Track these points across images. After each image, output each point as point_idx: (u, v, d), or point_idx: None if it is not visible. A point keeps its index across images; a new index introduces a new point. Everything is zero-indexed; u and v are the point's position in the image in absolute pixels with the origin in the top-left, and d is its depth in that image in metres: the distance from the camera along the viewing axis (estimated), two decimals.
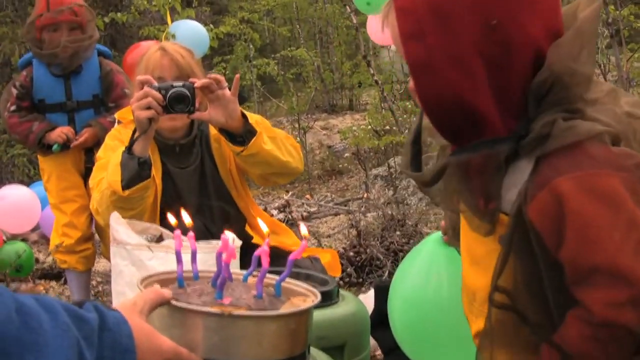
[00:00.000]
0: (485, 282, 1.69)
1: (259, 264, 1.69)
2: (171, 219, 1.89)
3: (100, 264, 5.95)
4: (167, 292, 1.52)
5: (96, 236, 5.06)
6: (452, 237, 2.24)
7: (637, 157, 1.53)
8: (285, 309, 1.63)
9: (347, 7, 10.23)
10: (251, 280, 1.74)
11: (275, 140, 3.07)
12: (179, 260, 1.68)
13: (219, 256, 1.62)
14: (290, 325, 1.58)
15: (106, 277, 5.90)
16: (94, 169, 3.25)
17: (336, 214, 7.40)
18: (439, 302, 2.35)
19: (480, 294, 1.75)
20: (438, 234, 2.44)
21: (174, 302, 1.52)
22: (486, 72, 1.56)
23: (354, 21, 10.12)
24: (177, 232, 1.73)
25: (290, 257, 1.69)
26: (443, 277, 2.36)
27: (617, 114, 1.61)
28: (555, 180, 1.50)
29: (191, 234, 1.74)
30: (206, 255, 2.40)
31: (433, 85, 1.59)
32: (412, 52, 1.60)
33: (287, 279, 1.75)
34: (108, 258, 4.90)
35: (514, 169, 1.60)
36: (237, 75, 3.00)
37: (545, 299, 1.57)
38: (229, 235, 1.66)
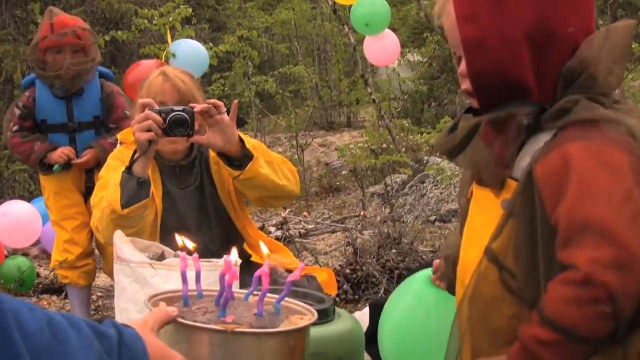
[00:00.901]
0: (477, 253, 1.80)
1: (260, 284, 1.79)
2: (178, 240, 1.97)
3: (100, 279, 6.01)
4: (173, 311, 1.61)
5: (96, 252, 5.14)
6: (444, 272, 2.33)
7: None
8: (284, 326, 1.73)
9: (345, 26, 10.33)
10: (252, 299, 1.83)
11: (271, 165, 3.15)
12: (184, 280, 1.77)
13: (222, 277, 1.72)
14: (289, 341, 1.69)
15: (106, 292, 5.98)
16: (96, 187, 3.33)
17: (333, 232, 7.45)
18: (427, 329, 2.42)
19: (472, 267, 1.83)
20: (427, 271, 2.51)
21: (180, 320, 1.61)
22: (530, 55, 1.73)
23: (352, 40, 10.21)
24: (183, 253, 1.83)
25: (289, 278, 1.80)
26: (431, 311, 2.44)
27: (636, 123, 1.72)
28: (567, 143, 1.64)
29: (196, 255, 1.84)
30: (207, 273, 2.47)
31: (484, 62, 1.76)
32: (467, 32, 1.76)
33: (286, 298, 1.84)
34: (108, 273, 5.00)
35: (533, 140, 1.73)
36: (236, 102, 3.08)
37: (533, 265, 1.67)
38: (232, 256, 1.76)
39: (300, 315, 1.83)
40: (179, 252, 2.85)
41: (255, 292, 1.82)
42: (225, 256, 1.76)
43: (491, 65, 1.75)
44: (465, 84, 1.86)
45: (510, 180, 1.76)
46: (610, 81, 1.72)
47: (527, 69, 1.74)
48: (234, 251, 1.82)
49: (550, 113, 1.71)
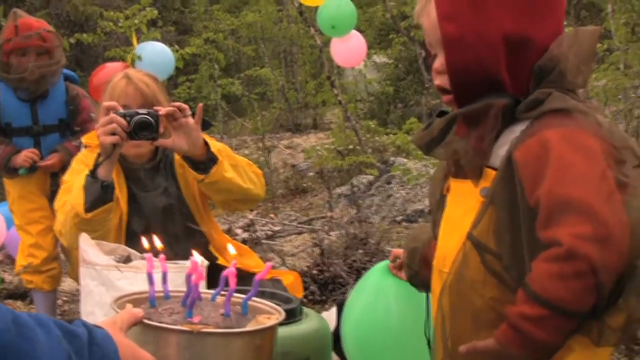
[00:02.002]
0: (457, 241, 1.87)
1: (227, 284, 1.79)
2: (145, 242, 1.97)
3: (65, 284, 5.97)
4: (139, 312, 1.61)
5: (62, 256, 5.11)
6: (406, 263, 2.37)
7: (613, 141, 1.73)
8: (251, 326, 1.73)
9: (312, 28, 10.35)
10: (219, 299, 1.83)
11: (236, 168, 3.14)
12: (151, 281, 1.77)
13: (188, 277, 1.72)
14: (256, 341, 1.69)
15: (72, 297, 5.94)
16: (60, 191, 3.30)
17: (300, 233, 7.46)
18: (388, 321, 2.44)
19: (452, 255, 1.89)
20: (384, 263, 2.55)
21: (147, 321, 1.61)
22: (506, 55, 1.82)
23: (318, 42, 10.23)
24: (149, 255, 1.82)
25: (257, 277, 1.79)
26: (391, 304, 2.46)
27: (600, 121, 1.79)
28: (544, 130, 1.72)
29: (162, 256, 1.84)
30: (174, 275, 2.47)
31: (463, 58, 1.84)
32: (447, 30, 1.85)
33: (253, 298, 1.85)
34: (74, 278, 4.96)
35: (509, 131, 1.81)
36: (201, 105, 3.08)
37: (516, 247, 1.74)
38: (197, 257, 1.76)
39: (267, 314, 1.84)
40: (145, 255, 2.88)
41: (222, 292, 1.82)
42: (191, 257, 1.77)
43: (469, 62, 1.84)
44: (440, 80, 1.94)
45: (488, 169, 1.83)
46: (578, 79, 1.81)
47: (502, 67, 1.82)
48: (196, 253, 1.82)
49: (524, 104, 1.80)
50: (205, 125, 3.21)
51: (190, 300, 1.70)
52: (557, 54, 1.81)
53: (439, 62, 1.93)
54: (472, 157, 1.85)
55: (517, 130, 1.79)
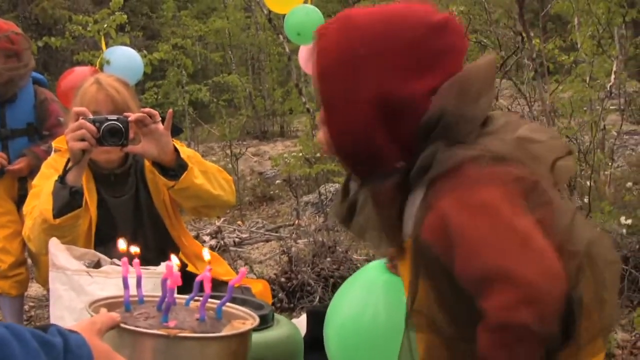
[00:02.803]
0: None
1: (201, 289, 1.80)
2: (122, 244, 1.97)
3: (32, 289, 5.93)
4: (116, 316, 1.61)
5: (29, 261, 5.07)
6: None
7: (515, 172, 1.68)
8: (227, 331, 1.74)
9: (280, 36, 10.36)
10: (193, 304, 1.84)
11: (206, 175, 3.14)
12: (126, 285, 1.77)
13: (164, 282, 1.73)
14: (231, 346, 1.70)
15: (39, 302, 5.91)
16: (29, 196, 3.28)
17: (267, 241, 7.48)
18: (376, 329, 2.44)
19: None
20: (380, 261, 2.54)
21: (123, 325, 1.61)
22: (382, 118, 1.77)
23: (287, 49, 10.24)
24: (124, 259, 1.83)
25: (231, 282, 1.81)
26: (380, 305, 2.45)
27: (505, 140, 1.76)
28: (438, 202, 1.67)
29: (136, 260, 1.84)
30: (145, 280, 2.47)
31: (337, 121, 1.81)
32: (323, 91, 1.82)
33: (227, 304, 1.85)
34: (41, 283, 4.94)
35: (411, 199, 1.78)
36: (170, 111, 3.07)
37: (457, 314, 1.71)
38: (173, 261, 1.76)
39: (242, 320, 1.85)
40: (115, 260, 2.88)
41: (196, 298, 1.83)
42: (167, 261, 1.77)
43: (342, 124, 1.81)
44: (320, 134, 1.92)
45: (407, 241, 1.81)
46: (466, 125, 1.75)
47: (379, 132, 1.77)
48: (174, 257, 1.82)
49: (414, 172, 1.75)
50: (175, 131, 3.21)
51: (166, 305, 1.71)
52: (437, 107, 1.74)
53: (320, 114, 1.89)
54: (385, 234, 1.86)
55: (417, 197, 1.75)
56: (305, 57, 7.53)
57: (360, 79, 1.77)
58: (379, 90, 1.76)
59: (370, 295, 2.53)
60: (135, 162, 3.36)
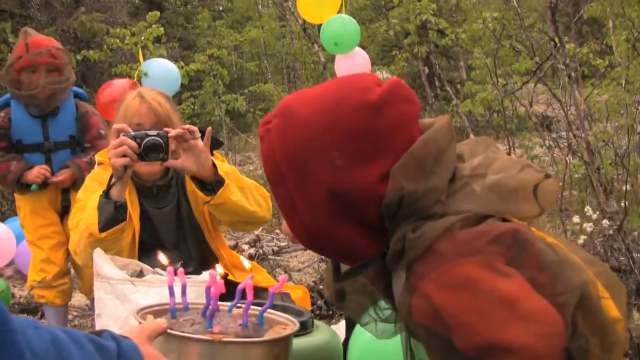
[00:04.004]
0: None
1: (243, 296, 1.86)
2: (162, 259, 2.03)
3: (75, 298, 6.02)
4: (163, 322, 1.68)
5: (72, 271, 5.16)
6: None
7: (491, 232, 1.64)
8: (268, 336, 1.80)
9: (315, 45, 10.42)
10: (235, 311, 1.90)
11: (243, 191, 3.18)
12: (172, 293, 1.84)
13: (207, 290, 1.79)
14: (273, 350, 1.76)
15: (82, 311, 6.00)
16: (73, 210, 3.37)
17: (306, 249, 7.50)
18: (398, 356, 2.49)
19: None
20: None
21: (170, 331, 1.68)
22: (345, 209, 1.71)
23: (322, 58, 10.30)
24: (170, 268, 1.89)
25: (272, 290, 1.87)
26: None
27: (477, 194, 1.73)
28: (419, 285, 1.63)
29: (181, 269, 1.90)
30: (187, 289, 2.53)
31: (298, 223, 1.77)
32: (278, 195, 1.78)
33: (268, 310, 1.91)
34: (85, 292, 5.03)
35: (395, 277, 1.74)
36: (209, 128, 3.13)
37: None
38: (217, 270, 1.83)
39: (282, 325, 1.91)
40: (158, 269, 2.94)
41: (238, 305, 1.89)
42: (210, 270, 1.83)
43: (305, 226, 1.76)
44: (285, 228, 1.88)
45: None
46: (426, 199, 1.70)
47: (342, 227, 1.73)
48: (219, 266, 1.89)
49: (389, 259, 1.71)
50: (216, 144, 3.27)
51: (210, 312, 1.77)
52: (394, 191, 1.68)
53: (284, 222, 1.86)
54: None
55: (401, 276, 1.71)
56: (343, 65, 7.60)
57: (309, 181, 1.72)
58: (330, 188, 1.70)
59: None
60: (176, 174, 3.42)
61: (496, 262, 1.60)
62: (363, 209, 1.71)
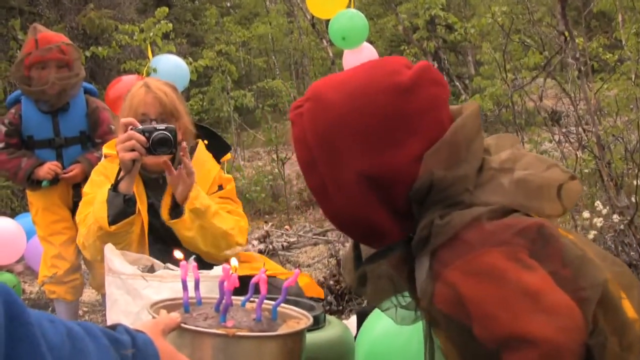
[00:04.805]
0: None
1: (256, 291, 1.86)
2: (177, 254, 2.03)
3: (86, 294, 6.03)
4: (177, 317, 1.68)
5: (83, 266, 5.17)
6: None
7: (517, 224, 1.66)
8: (282, 330, 1.80)
9: (323, 40, 10.42)
10: (248, 305, 1.90)
11: (204, 231, 3.14)
12: (185, 287, 1.84)
13: (221, 284, 1.79)
14: (287, 344, 1.76)
15: (92, 307, 6.01)
16: (81, 204, 3.36)
17: (315, 244, 7.51)
18: (406, 355, 2.49)
19: None
20: None
21: (183, 325, 1.68)
22: (374, 192, 1.73)
23: (330, 53, 10.30)
24: (184, 263, 1.89)
25: (285, 284, 1.87)
26: (416, 333, 2.50)
27: (505, 188, 1.75)
28: (444, 272, 1.65)
29: (194, 264, 1.91)
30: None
31: (330, 207, 1.80)
32: (309, 179, 1.82)
33: (281, 304, 1.91)
34: (96, 288, 5.03)
35: (418, 264, 1.75)
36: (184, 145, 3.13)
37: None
38: (232, 262, 1.83)
39: (296, 319, 1.91)
40: (169, 264, 2.95)
41: (252, 299, 1.89)
42: (224, 264, 1.84)
43: (337, 208, 1.79)
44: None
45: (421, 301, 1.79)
46: (456, 186, 1.72)
47: (373, 209, 1.75)
48: (234, 259, 1.89)
49: (415, 244, 1.72)
50: (223, 148, 3.35)
51: (224, 306, 1.77)
52: (426, 175, 1.70)
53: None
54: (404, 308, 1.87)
55: (424, 264, 1.73)
56: (351, 60, 7.59)
57: (339, 164, 1.74)
58: (360, 170, 1.72)
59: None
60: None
61: (521, 254, 1.61)
62: (392, 192, 1.73)
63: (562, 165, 1.79)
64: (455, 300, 1.63)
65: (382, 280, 1.91)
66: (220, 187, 3.38)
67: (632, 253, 4.73)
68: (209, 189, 3.32)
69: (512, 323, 1.56)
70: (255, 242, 7.20)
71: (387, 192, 1.74)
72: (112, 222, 3.03)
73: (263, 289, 1.80)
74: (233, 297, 1.84)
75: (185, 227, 3.11)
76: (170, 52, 7.36)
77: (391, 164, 1.72)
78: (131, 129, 3.03)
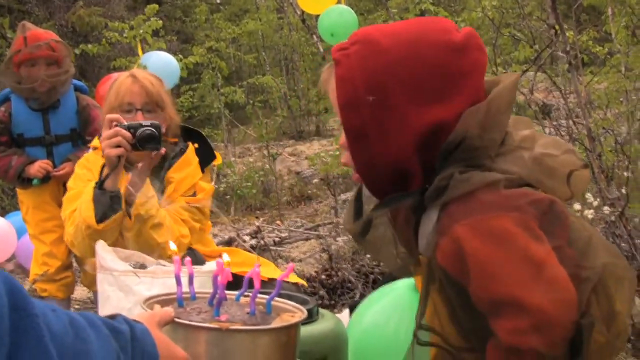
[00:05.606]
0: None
1: (249, 285, 1.86)
2: (172, 245, 2.02)
3: (77, 292, 6.02)
4: (171, 311, 1.68)
5: (75, 264, 5.16)
6: None
7: (532, 195, 1.69)
8: (276, 324, 1.80)
9: (314, 36, 10.41)
10: (242, 300, 1.90)
11: (139, 237, 3.14)
12: (179, 282, 1.83)
13: (214, 278, 1.79)
14: (282, 338, 1.76)
15: (84, 304, 5.99)
16: (64, 200, 3.37)
17: (307, 239, 7.51)
18: (395, 344, 2.47)
19: None
20: (411, 280, 2.59)
21: (177, 319, 1.68)
22: (418, 141, 1.74)
23: (320, 49, 10.28)
24: (177, 257, 1.89)
25: (279, 277, 1.87)
26: (404, 322, 2.49)
27: (525, 160, 1.77)
28: (453, 227, 1.66)
29: (189, 259, 1.91)
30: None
31: (366, 151, 1.78)
32: (348, 120, 1.78)
33: (275, 298, 1.91)
34: (87, 285, 5.02)
35: (425, 218, 1.77)
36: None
37: (467, 326, 1.74)
38: (224, 257, 1.83)
39: (290, 313, 1.91)
40: (161, 261, 2.94)
41: (245, 294, 1.89)
42: (218, 259, 1.84)
43: (373, 155, 1.77)
44: (345, 158, 1.88)
45: (421, 257, 1.82)
46: (491, 146, 1.75)
47: (412, 159, 1.76)
48: (225, 254, 1.89)
49: (429, 193, 1.73)
50: (209, 157, 3.40)
51: (218, 300, 1.77)
52: (460, 131, 1.73)
53: (342, 138, 1.85)
54: (399, 256, 1.89)
55: (431, 218, 1.75)
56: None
57: (386, 109, 1.74)
58: (406, 118, 1.73)
59: (396, 311, 2.57)
60: (164, 159, 3.39)
61: (532, 223, 1.63)
62: (432, 144, 1.74)
63: (578, 153, 1.79)
64: (457, 257, 1.65)
65: (386, 229, 1.91)
66: (195, 194, 3.37)
67: (622, 244, 4.76)
68: (185, 192, 3.33)
69: (510, 288, 1.58)
70: (246, 238, 7.19)
71: (428, 144, 1.74)
72: (100, 220, 3.03)
73: (257, 283, 1.80)
74: (227, 292, 1.84)
75: (125, 228, 3.12)
76: (160, 49, 7.35)
77: (438, 117, 1.74)
78: (116, 125, 3.03)
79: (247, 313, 1.80)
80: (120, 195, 3.08)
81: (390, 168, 1.77)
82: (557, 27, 5.52)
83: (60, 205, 4.79)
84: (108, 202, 3.03)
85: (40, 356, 1.16)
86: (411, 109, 1.73)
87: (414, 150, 1.74)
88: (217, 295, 1.78)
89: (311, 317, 2.51)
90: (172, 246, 2.12)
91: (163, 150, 3.11)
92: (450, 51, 1.77)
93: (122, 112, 3.19)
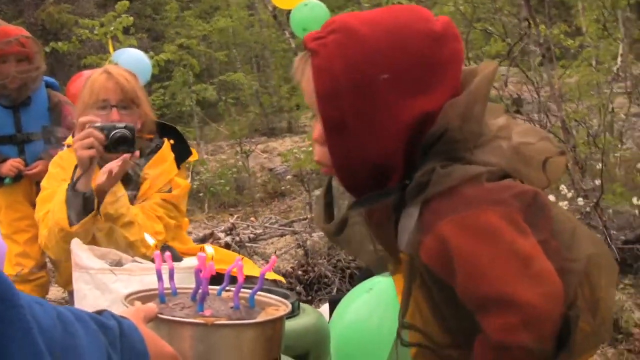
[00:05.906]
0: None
1: (231, 281, 1.84)
2: (149, 239, 2.00)
3: (52, 292, 5.97)
4: (154, 307, 1.65)
5: (49, 264, 5.11)
6: None
7: (515, 187, 1.65)
8: (261, 318, 1.78)
9: (285, 32, 10.39)
10: (225, 294, 1.88)
11: (110, 237, 3.12)
12: (160, 278, 1.81)
13: (197, 272, 1.77)
14: (266, 332, 1.74)
15: (59, 304, 5.93)
16: (38, 200, 3.33)
17: (282, 235, 7.51)
18: (378, 338, 2.48)
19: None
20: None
21: (161, 315, 1.66)
22: (402, 138, 1.68)
23: (292, 45, 10.26)
24: (157, 252, 1.86)
25: (262, 271, 1.85)
26: (387, 316, 2.49)
27: (504, 150, 1.72)
28: (437, 224, 1.61)
29: (169, 254, 1.88)
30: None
31: (344, 144, 1.70)
32: (327, 113, 1.70)
33: (258, 292, 1.89)
34: (61, 285, 4.97)
35: (405, 215, 1.70)
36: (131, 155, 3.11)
37: (451, 323, 1.71)
38: (208, 250, 1.81)
39: (274, 307, 1.88)
40: (137, 258, 2.92)
41: (227, 288, 1.87)
42: (199, 253, 1.81)
43: (351, 148, 1.70)
44: (319, 154, 1.80)
45: (402, 254, 1.77)
46: (472, 138, 1.70)
47: (396, 151, 1.69)
48: (208, 247, 1.86)
49: (411, 189, 1.67)
50: (185, 154, 3.35)
51: (201, 295, 1.75)
52: (441, 125, 1.66)
53: (317, 132, 1.77)
54: (378, 253, 1.86)
55: (412, 214, 1.68)
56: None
57: (368, 100, 1.67)
58: (389, 110, 1.66)
59: (379, 306, 2.56)
60: (137, 165, 3.37)
61: (517, 217, 1.60)
62: (415, 136, 1.68)
63: (554, 139, 1.77)
64: (442, 255, 1.61)
65: (361, 226, 1.86)
66: (170, 190, 3.34)
67: (598, 235, 4.78)
68: (160, 188, 3.30)
69: (498, 284, 1.54)
70: (221, 235, 7.17)
71: (414, 136, 1.68)
72: (72, 223, 3.00)
73: (240, 277, 1.78)
74: (209, 287, 1.82)
75: (97, 227, 3.09)
76: (131, 46, 7.30)
77: (424, 108, 1.67)
78: (89, 127, 2.99)
79: (231, 307, 1.78)
80: (94, 195, 3.04)
81: (371, 162, 1.70)
82: (530, 20, 5.55)
83: (33, 204, 4.75)
84: (81, 204, 3.00)
85: (27, 348, 1.13)
86: (397, 101, 1.66)
87: (400, 144, 1.68)
88: (200, 290, 1.76)
89: (292, 312, 2.50)
90: (150, 240, 2.09)
91: (137, 153, 3.08)
92: (431, 40, 1.70)
93: (97, 109, 3.16)
